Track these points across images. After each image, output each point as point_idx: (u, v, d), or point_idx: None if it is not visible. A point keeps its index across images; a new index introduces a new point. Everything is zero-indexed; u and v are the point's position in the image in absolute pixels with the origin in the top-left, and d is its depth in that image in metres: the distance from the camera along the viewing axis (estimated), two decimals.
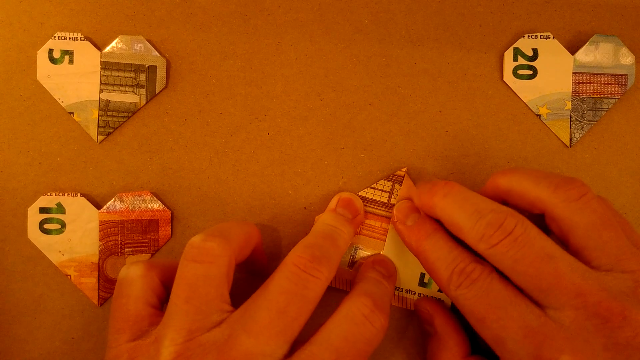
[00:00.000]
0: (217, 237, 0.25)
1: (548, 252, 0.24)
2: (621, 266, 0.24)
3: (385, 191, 0.33)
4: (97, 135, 0.33)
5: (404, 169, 0.33)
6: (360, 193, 0.33)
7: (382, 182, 0.33)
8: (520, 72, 0.33)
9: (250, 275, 0.33)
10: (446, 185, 0.28)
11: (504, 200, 0.28)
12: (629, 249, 0.25)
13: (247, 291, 0.26)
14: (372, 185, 0.33)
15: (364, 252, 0.32)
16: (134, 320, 0.25)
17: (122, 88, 0.33)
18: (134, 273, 0.27)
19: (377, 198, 0.32)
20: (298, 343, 0.24)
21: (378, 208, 0.32)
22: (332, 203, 0.32)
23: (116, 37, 0.33)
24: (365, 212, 0.32)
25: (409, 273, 0.32)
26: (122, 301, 0.26)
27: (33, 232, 0.32)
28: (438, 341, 0.29)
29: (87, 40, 0.33)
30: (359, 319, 0.25)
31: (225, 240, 0.25)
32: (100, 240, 0.33)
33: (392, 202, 0.32)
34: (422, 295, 0.32)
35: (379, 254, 0.32)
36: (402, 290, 0.32)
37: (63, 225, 0.32)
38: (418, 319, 0.32)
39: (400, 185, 0.32)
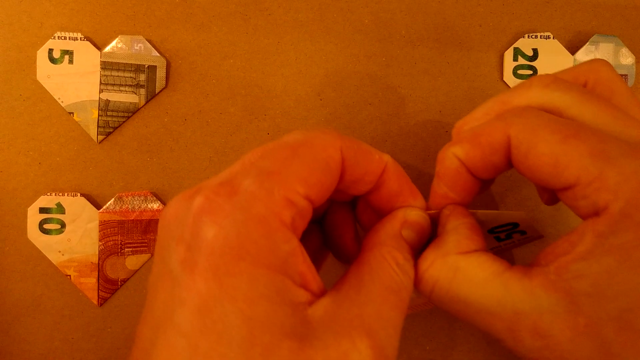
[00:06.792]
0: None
1: None
2: None
3: None
4: (97, 135, 0.33)
5: None
6: None
7: None
8: (520, 72, 0.33)
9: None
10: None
11: None
12: None
13: None
14: None
15: None
16: None
17: (122, 88, 0.33)
18: None
19: None
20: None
21: None
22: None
23: (116, 37, 0.33)
24: None
25: None
26: None
27: (33, 232, 0.32)
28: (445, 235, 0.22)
29: (87, 40, 0.33)
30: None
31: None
32: (100, 240, 0.33)
33: None
34: None
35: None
36: None
37: (63, 225, 0.32)
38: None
39: None
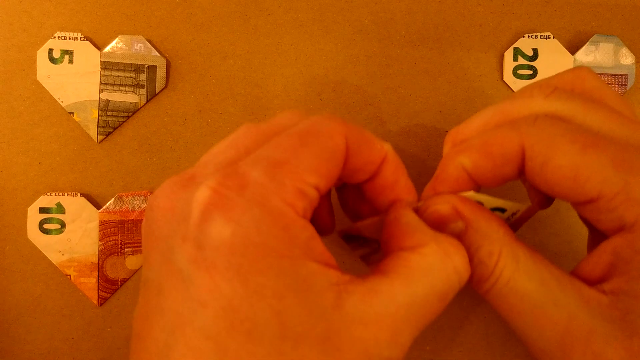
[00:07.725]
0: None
1: None
2: None
3: None
4: (97, 135, 0.33)
5: None
6: None
7: None
8: (520, 72, 0.33)
9: None
10: None
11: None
12: None
13: None
14: None
15: None
16: None
17: (122, 88, 0.33)
18: None
19: None
20: None
21: None
22: None
23: (116, 37, 0.33)
24: None
25: None
26: None
27: (33, 232, 0.32)
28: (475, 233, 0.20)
29: (87, 40, 0.33)
30: None
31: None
32: (100, 240, 0.33)
33: None
34: None
35: None
36: None
37: (63, 225, 0.32)
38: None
39: None
